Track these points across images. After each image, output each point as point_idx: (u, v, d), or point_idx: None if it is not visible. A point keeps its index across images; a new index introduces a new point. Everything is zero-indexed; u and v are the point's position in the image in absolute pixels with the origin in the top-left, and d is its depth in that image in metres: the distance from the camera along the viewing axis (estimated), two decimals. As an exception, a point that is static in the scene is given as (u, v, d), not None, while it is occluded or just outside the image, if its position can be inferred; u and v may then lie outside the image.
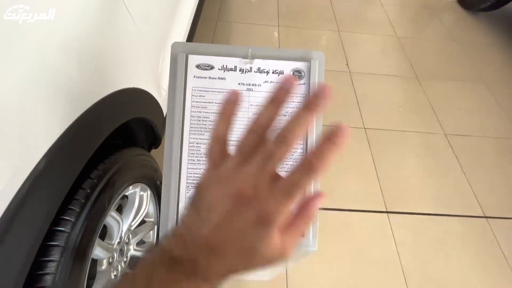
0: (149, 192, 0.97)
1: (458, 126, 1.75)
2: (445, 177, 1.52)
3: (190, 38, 1.39)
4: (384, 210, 1.38)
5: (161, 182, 1.07)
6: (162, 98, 1.05)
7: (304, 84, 0.43)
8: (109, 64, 0.68)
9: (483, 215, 1.40)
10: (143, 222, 0.99)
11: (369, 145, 1.61)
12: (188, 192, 0.41)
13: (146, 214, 0.96)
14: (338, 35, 2.28)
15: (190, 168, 0.41)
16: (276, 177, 0.23)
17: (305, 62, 0.43)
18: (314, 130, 0.42)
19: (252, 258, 0.23)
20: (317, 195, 0.24)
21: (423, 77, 2.02)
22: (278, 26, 2.27)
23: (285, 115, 0.43)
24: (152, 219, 1.04)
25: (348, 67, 2.02)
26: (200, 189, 0.25)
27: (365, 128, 1.69)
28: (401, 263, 1.22)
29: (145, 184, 0.92)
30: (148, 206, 0.96)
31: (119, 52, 0.71)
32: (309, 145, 0.42)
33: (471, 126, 1.77)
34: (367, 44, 2.25)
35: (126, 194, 0.86)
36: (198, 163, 0.42)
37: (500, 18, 2.68)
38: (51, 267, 0.51)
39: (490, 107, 1.90)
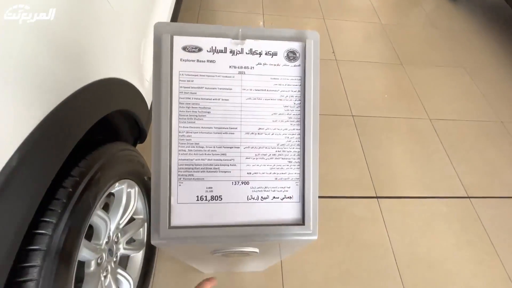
0: (136, 188, 0.92)
1: (442, 111, 1.80)
2: (431, 160, 1.57)
3: (172, 26, 1.32)
4: (374, 195, 1.40)
5: (149, 178, 1.03)
6: (145, 89, 1.00)
7: (299, 66, 0.40)
8: (85, 53, 0.62)
9: (466, 196, 1.46)
10: (132, 219, 0.95)
11: (357, 132, 1.62)
12: (180, 185, 0.39)
13: (134, 211, 0.93)
14: (323, 23, 2.26)
15: (181, 160, 0.39)
16: None
17: (299, 42, 0.40)
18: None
19: None
20: (210, 281, 0.28)
21: (407, 63, 2.05)
22: (263, 14, 2.22)
23: (280, 99, 0.41)
24: (141, 216, 1.00)
25: (334, 54, 2.01)
26: None
27: (353, 116, 1.70)
28: (391, 245, 1.26)
29: (132, 180, 0.88)
30: (136, 203, 0.92)
31: (95, 39, 0.66)
32: (306, 132, 0.40)
33: (453, 110, 1.82)
34: (352, 32, 2.24)
35: (113, 191, 0.81)
36: (189, 153, 0.39)
37: (479, 4, 2.75)
38: (33, 273, 0.47)
39: (471, 91, 1.97)
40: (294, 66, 0.40)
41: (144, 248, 1.01)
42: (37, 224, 0.50)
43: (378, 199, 1.39)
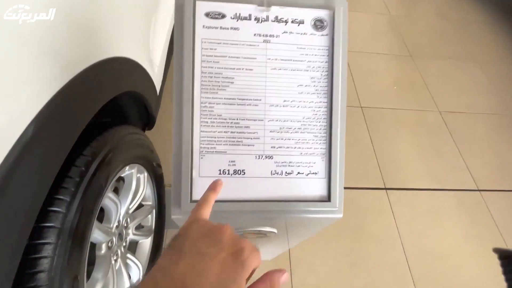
0: (145, 174, 0.91)
1: (451, 103, 1.77)
2: (440, 153, 1.55)
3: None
4: (383, 187, 1.39)
5: (158, 164, 1.02)
6: (155, 74, 0.98)
7: (327, 35, 0.38)
8: (97, 31, 0.60)
9: (476, 188, 1.44)
10: (140, 206, 0.94)
11: (366, 124, 1.60)
12: (202, 158, 0.37)
13: (143, 198, 0.92)
14: (331, 13, 2.21)
15: (203, 131, 0.37)
16: None
17: (327, 10, 0.38)
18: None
19: None
20: (282, 270, 0.27)
21: (416, 55, 2.01)
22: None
23: (307, 70, 0.39)
24: (150, 203, 0.99)
25: (342, 45, 1.98)
26: (185, 226, 0.27)
27: (361, 107, 1.67)
28: (400, 236, 1.24)
29: (142, 165, 0.87)
30: (145, 189, 0.91)
31: (103, 15, 0.64)
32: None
33: (463, 103, 1.79)
34: (361, 23, 2.20)
35: (122, 175, 0.80)
36: (211, 125, 0.37)
37: (490, -4, 2.69)
38: (48, 250, 0.46)
39: (481, 84, 1.93)
40: (322, 35, 0.38)
41: (152, 235, 1.00)
42: (51, 202, 0.49)
43: (387, 190, 1.38)
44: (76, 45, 0.51)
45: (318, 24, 0.38)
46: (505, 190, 1.45)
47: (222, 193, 0.37)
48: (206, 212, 0.30)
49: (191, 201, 0.36)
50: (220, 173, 0.37)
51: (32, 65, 0.40)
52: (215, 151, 0.37)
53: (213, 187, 0.32)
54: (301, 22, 0.38)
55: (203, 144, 0.37)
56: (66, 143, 0.47)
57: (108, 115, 0.79)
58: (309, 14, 0.38)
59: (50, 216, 0.48)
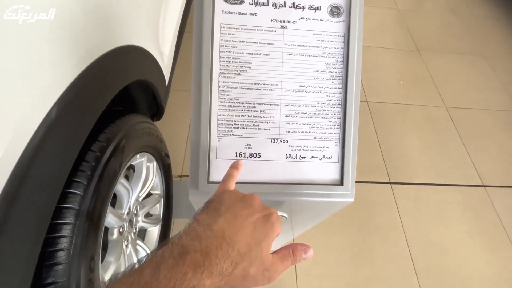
0: (155, 163, 0.93)
1: (459, 99, 1.76)
2: (446, 148, 1.54)
3: None
4: (388, 181, 1.39)
5: (166, 154, 1.03)
6: (164, 64, 0.99)
7: (343, 22, 0.39)
8: (109, 18, 0.61)
9: (481, 184, 1.44)
10: (149, 194, 0.96)
11: (372, 118, 1.60)
12: (219, 141, 0.38)
13: (152, 186, 0.93)
14: (338, 7, 2.19)
15: (220, 115, 0.38)
16: None
17: (344, -3, 0.39)
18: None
19: (255, 258, 0.26)
20: (307, 246, 0.30)
21: (424, 50, 2.00)
22: None
23: (323, 56, 0.39)
24: (158, 192, 1.01)
25: (349, 40, 1.97)
26: (218, 194, 0.30)
27: (367, 102, 1.67)
28: (404, 230, 1.25)
29: (151, 154, 0.88)
30: (154, 178, 0.93)
31: (116, 4, 0.64)
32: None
33: (471, 99, 1.78)
34: (367, 17, 2.18)
35: (133, 163, 0.82)
36: (229, 109, 0.38)
37: (500, -9, 2.64)
38: (67, 230, 0.48)
39: (490, 80, 1.91)
40: (338, 22, 0.39)
41: (160, 224, 1.02)
42: (69, 184, 0.50)
43: (392, 184, 1.38)
44: (93, 33, 0.52)
45: (335, 11, 0.39)
46: (510, 186, 1.45)
47: (239, 175, 0.38)
48: (232, 185, 0.34)
49: (209, 182, 0.38)
50: (236, 156, 0.38)
51: (53, 51, 0.41)
52: (232, 134, 0.38)
53: (235, 165, 0.36)
54: (318, 8, 0.38)
55: (221, 127, 0.38)
56: (85, 126, 0.48)
57: (119, 104, 0.81)
58: (326, 1, 0.39)
59: (68, 198, 0.50)
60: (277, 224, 0.28)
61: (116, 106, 0.75)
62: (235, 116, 0.38)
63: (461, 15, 2.33)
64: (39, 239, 0.39)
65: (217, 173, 0.38)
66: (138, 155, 0.80)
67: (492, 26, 2.30)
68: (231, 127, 0.38)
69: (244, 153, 0.38)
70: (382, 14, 2.24)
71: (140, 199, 0.89)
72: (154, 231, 1.03)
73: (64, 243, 0.48)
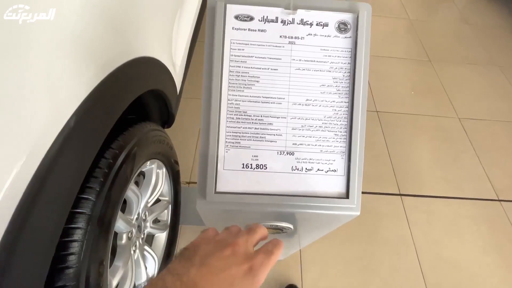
0: (164, 170, 0.95)
1: (472, 110, 1.72)
2: (458, 160, 1.51)
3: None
4: (397, 192, 1.37)
5: (175, 161, 1.05)
6: (176, 74, 1.02)
7: (350, 37, 0.40)
8: (125, 30, 0.64)
9: (496, 198, 1.39)
10: (158, 201, 0.98)
11: (382, 128, 1.58)
12: (227, 152, 0.39)
13: (161, 193, 0.95)
14: (348, 17, 2.21)
15: (228, 127, 0.39)
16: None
17: (351, 14, 0.40)
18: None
19: None
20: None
21: (436, 60, 1.97)
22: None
23: (329, 71, 0.40)
24: (167, 198, 1.02)
25: (359, 49, 1.97)
26: (196, 240, 0.28)
27: (377, 111, 1.66)
28: (414, 243, 1.22)
29: (161, 161, 0.90)
30: (163, 185, 0.95)
31: (132, 17, 0.68)
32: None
33: (484, 109, 1.74)
34: (378, 27, 2.18)
35: (143, 170, 0.84)
36: (237, 121, 0.39)
37: (515, 0, 2.60)
38: (79, 234, 0.50)
39: (504, 90, 1.87)
40: (345, 37, 0.40)
41: (168, 230, 1.04)
42: (82, 190, 0.52)
43: (402, 196, 1.36)
44: (111, 45, 0.55)
45: (342, 27, 0.40)
46: (528, 201, 1.40)
47: (244, 186, 0.39)
48: (213, 230, 0.31)
49: (216, 192, 0.38)
50: (243, 167, 0.39)
51: (73, 63, 0.44)
52: (240, 146, 0.39)
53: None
54: (326, 24, 0.40)
55: (229, 138, 0.39)
56: (100, 135, 0.51)
57: (133, 112, 0.84)
58: (334, 17, 0.40)
59: (81, 203, 0.52)
60: (259, 277, 0.25)
61: (130, 114, 0.77)
62: (243, 128, 0.39)
63: (475, 24, 2.30)
64: (53, 243, 0.41)
65: (224, 184, 0.39)
66: (148, 162, 0.82)
67: (505, 35, 2.26)
68: (238, 139, 0.39)
69: (251, 164, 0.39)
70: (393, 24, 2.24)
71: (149, 205, 0.90)
72: (161, 237, 1.04)
73: (75, 247, 0.50)
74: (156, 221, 1.00)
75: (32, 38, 0.37)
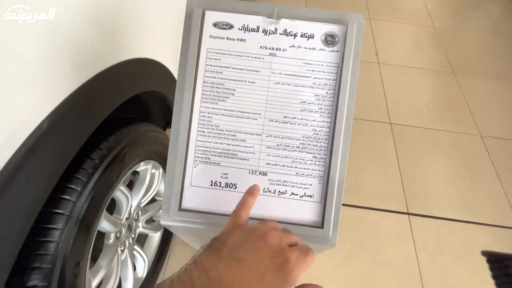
0: (161, 170, 0.94)
1: (496, 128, 1.59)
2: (477, 182, 1.39)
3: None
4: (405, 211, 1.28)
5: (173, 162, 1.04)
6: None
7: (337, 51, 0.36)
8: (123, 31, 0.64)
9: (517, 227, 1.27)
10: (153, 200, 0.98)
11: (394, 141, 1.50)
12: (195, 167, 0.37)
13: (157, 193, 0.95)
14: (368, 23, 2.12)
15: (199, 141, 0.37)
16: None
17: (340, 25, 0.36)
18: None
19: None
20: (316, 286, 0.26)
21: (460, 72, 1.85)
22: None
23: (312, 87, 0.37)
24: (162, 198, 1.02)
25: (377, 57, 1.89)
26: (226, 230, 0.27)
27: (391, 123, 1.57)
28: (419, 268, 1.14)
29: (158, 162, 0.90)
30: (159, 185, 0.94)
31: (132, 16, 0.67)
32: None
33: (510, 128, 1.60)
34: (400, 34, 2.08)
35: (138, 170, 0.84)
36: (208, 136, 0.37)
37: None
38: (54, 235, 0.50)
39: (536, 109, 1.71)
40: (332, 51, 0.36)
41: (162, 230, 1.03)
42: (63, 190, 0.52)
43: (409, 215, 1.27)
44: (98, 48, 0.55)
45: (329, 40, 0.36)
46: (554, 233, 1.27)
47: (212, 205, 0.37)
48: (246, 215, 0.30)
49: (180, 209, 0.36)
50: (211, 185, 0.37)
51: (54, 63, 0.44)
52: (209, 162, 0.37)
53: (251, 191, 0.31)
54: (311, 36, 0.36)
55: (198, 153, 0.37)
56: (78, 138, 0.50)
57: (133, 112, 0.84)
58: (321, 29, 0.36)
59: (60, 203, 0.51)
60: (294, 275, 0.23)
61: (130, 114, 0.77)
62: (214, 143, 0.37)
63: (507, 36, 2.14)
64: (17, 245, 0.40)
65: (190, 201, 0.37)
66: (142, 163, 0.81)
67: (543, 49, 2.07)
68: (208, 154, 0.37)
69: (220, 182, 0.37)
70: (416, 31, 2.12)
71: (143, 204, 0.90)
72: (155, 237, 1.04)
73: (50, 248, 0.49)
74: (150, 220, 1.00)
75: (20, 38, 0.36)
